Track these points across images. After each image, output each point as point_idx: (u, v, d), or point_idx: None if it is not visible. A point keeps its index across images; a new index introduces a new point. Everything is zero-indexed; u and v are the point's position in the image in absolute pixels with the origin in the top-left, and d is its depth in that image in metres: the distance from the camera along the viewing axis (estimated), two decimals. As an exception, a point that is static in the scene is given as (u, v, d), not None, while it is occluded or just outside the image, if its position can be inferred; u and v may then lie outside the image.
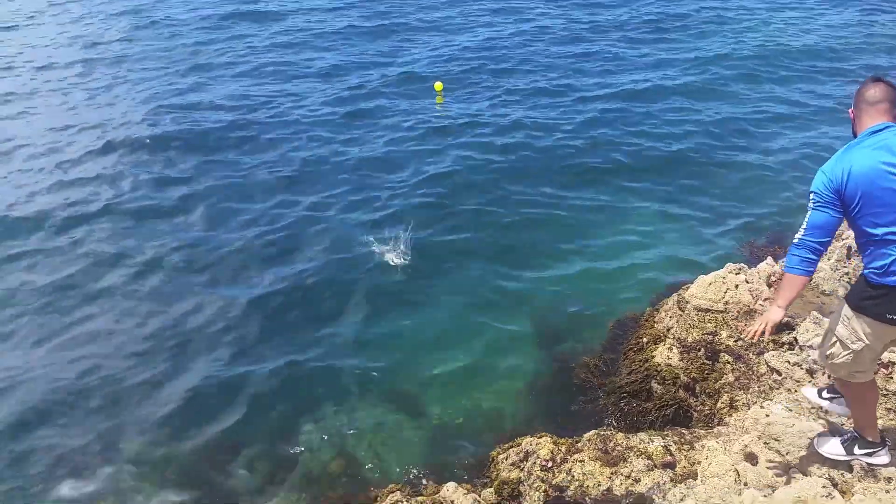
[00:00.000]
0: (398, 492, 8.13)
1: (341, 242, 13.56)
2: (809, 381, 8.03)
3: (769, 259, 10.28)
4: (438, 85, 19.34)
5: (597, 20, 27.67)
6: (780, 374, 8.36)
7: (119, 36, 27.58)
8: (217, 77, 22.33)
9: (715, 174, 15.87)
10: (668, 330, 10.05)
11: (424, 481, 8.66)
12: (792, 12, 28.11)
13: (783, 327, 9.18)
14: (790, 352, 8.61)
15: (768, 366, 8.55)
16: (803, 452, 6.82)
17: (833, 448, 6.45)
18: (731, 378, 8.89)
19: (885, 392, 7.40)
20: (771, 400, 7.92)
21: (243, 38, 26.55)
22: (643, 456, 7.49)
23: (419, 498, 7.89)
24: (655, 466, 7.38)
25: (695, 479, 7.05)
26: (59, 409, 9.88)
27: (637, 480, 7.19)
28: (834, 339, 5.72)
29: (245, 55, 24.49)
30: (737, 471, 6.77)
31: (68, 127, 18.87)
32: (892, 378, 7.67)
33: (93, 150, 17.50)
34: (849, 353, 5.59)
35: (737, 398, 8.63)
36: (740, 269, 10.09)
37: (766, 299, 9.49)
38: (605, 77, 21.78)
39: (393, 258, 12.82)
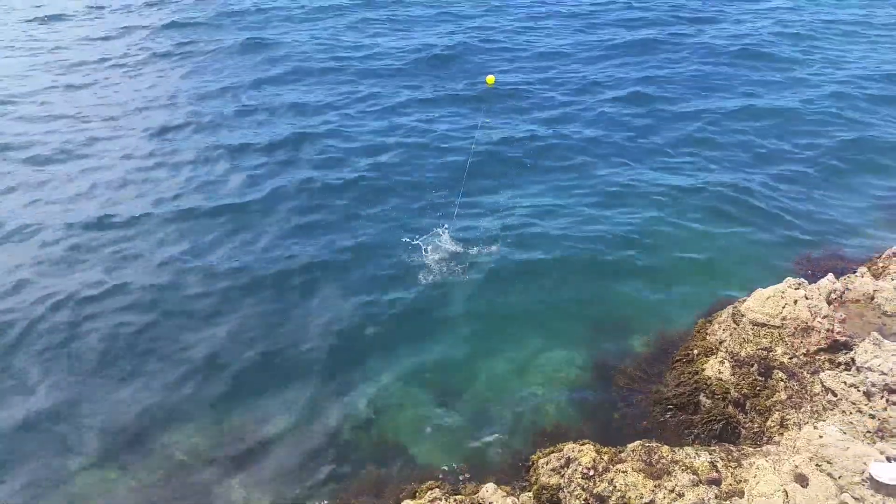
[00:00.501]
0: (437, 489, 8.17)
1: (402, 248, 13.62)
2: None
3: (830, 276, 9.92)
4: (490, 79, 19.71)
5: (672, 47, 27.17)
6: (835, 395, 8.08)
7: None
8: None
9: (773, 186, 15.39)
10: (721, 343, 9.82)
11: (463, 479, 8.68)
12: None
13: (840, 347, 8.89)
14: (846, 372, 8.31)
15: (823, 385, 8.27)
16: (857, 478, 6.58)
17: (893, 474, 6.22)
18: (783, 396, 8.64)
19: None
20: (824, 421, 7.66)
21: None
22: (688, 470, 7.34)
23: (458, 497, 7.91)
24: (700, 482, 7.23)
25: (741, 498, 6.89)
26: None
27: (681, 495, 7.05)
28: None
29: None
30: (786, 492, 6.58)
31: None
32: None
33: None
34: None
35: (788, 417, 8.38)
36: (800, 284, 9.77)
37: (825, 317, 9.19)
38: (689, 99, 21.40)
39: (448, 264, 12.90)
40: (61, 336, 11.39)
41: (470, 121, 18.67)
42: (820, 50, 24.20)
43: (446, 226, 13.55)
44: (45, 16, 30.65)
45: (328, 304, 12.09)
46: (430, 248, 13.22)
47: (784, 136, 17.80)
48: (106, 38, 27.50)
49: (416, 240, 13.35)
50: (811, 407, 8.35)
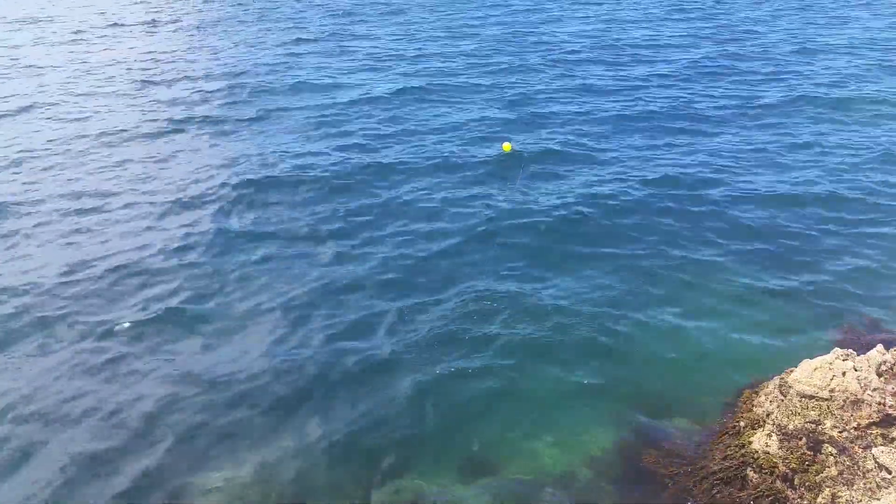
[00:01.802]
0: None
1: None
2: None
3: (880, 346, 9.66)
4: (506, 146, 20.29)
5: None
6: (889, 472, 7.80)
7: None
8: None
9: (823, 251, 15.19)
10: (768, 415, 9.60)
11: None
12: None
13: (893, 421, 8.61)
14: (901, 448, 8.03)
15: (876, 462, 8.00)
16: (913, 561, 6.31)
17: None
18: (833, 472, 8.36)
19: None
20: (878, 500, 7.40)
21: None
22: (734, 548, 7.14)
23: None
24: (747, 560, 7.01)
25: (789, 579, 6.64)
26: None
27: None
28: None
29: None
30: (836, 574, 6.33)
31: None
32: None
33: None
34: None
35: (839, 494, 8.09)
36: (848, 355, 9.54)
37: (875, 389, 8.94)
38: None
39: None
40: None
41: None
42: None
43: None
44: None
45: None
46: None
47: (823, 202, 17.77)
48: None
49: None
50: (864, 484, 8.06)
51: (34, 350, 12.66)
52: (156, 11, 50.69)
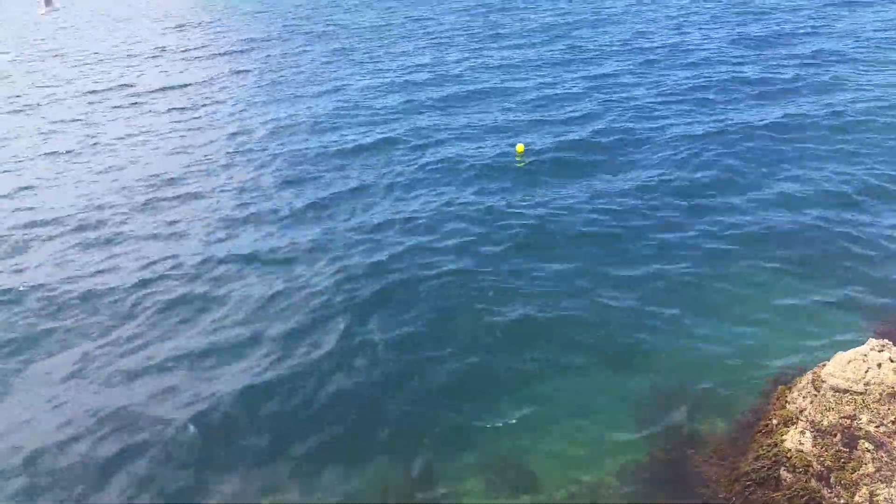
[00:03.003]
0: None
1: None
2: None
3: (918, 336, 9.23)
4: (520, 147, 20.19)
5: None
6: (927, 468, 7.40)
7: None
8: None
9: (854, 242, 14.59)
10: (801, 411, 9.22)
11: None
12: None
13: (935, 413, 8.18)
14: (941, 442, 7.61)
15: (914, 457, 7.60)
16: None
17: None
18: (870, 468, 7.98)
19: None
20: (918, 497, 7.02)
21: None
22: (761, 552, 6.85)
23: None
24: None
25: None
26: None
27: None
28: None
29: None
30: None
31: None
32: None
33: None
34: None
35: (878, 492, 7.72)
36: (884, 345, 9.11)
37: (914, 380, 8.51)
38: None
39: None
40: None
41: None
42: None
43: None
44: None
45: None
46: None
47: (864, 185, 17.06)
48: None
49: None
50: (903, 481, 7.67)
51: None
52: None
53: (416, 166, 21.23)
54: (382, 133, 24.74)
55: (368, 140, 24.03)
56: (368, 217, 18.14)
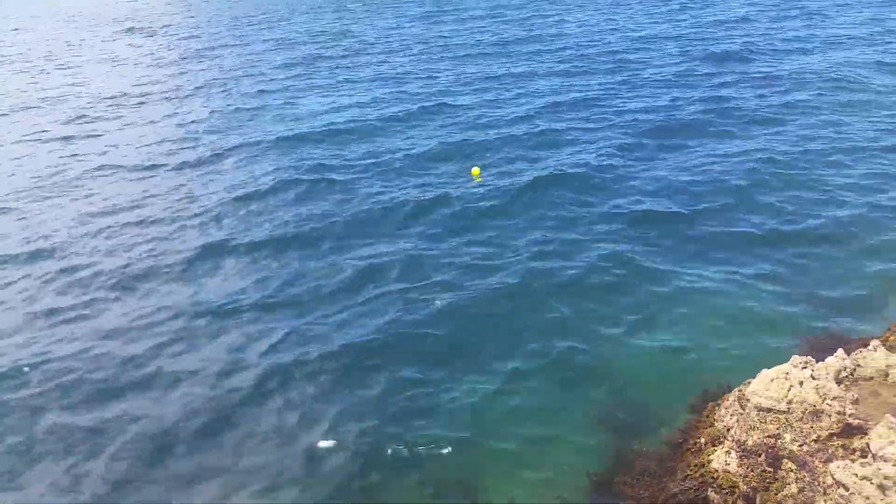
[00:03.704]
0: None
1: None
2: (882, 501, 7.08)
3: (839, 351, 9.30)
4: (475, 170, 20.09)
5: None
6: (846, 490, 7.42)
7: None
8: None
9: (787, 258, 14.83)
10: (728, 430, 9.24)
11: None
12: None
13: (854, 431, 8.25)
14: (860, 462, 7.65)
15: (834, 478, 7.63)
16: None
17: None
18: (794, 489, 8.00)
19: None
20: (837, 518, 7.03)
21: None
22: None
23: None
24: None
25: None
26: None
27: None
28: None
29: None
30: None
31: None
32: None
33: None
34: None
35: (800, 514, 7.72)
36: (806, 363, 9.18)
37: (834, 398, 8.57)
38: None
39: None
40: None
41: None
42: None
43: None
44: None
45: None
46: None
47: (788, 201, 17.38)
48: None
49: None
50: (824, 501, 7.69)
51: None
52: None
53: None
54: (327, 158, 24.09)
55: (302, 176, 22.67)
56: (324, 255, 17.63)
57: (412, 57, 38.16)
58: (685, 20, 42.22)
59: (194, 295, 15.24)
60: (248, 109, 30.09)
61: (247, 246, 17.29)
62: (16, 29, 65.20)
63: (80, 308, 15.11)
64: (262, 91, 33.22)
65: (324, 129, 26.32)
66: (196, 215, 19.31)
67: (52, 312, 14.96)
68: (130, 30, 58.04)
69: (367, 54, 39.96)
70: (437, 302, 14.10)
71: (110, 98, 34.29)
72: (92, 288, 15.87)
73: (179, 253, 17.12)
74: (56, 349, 13.65)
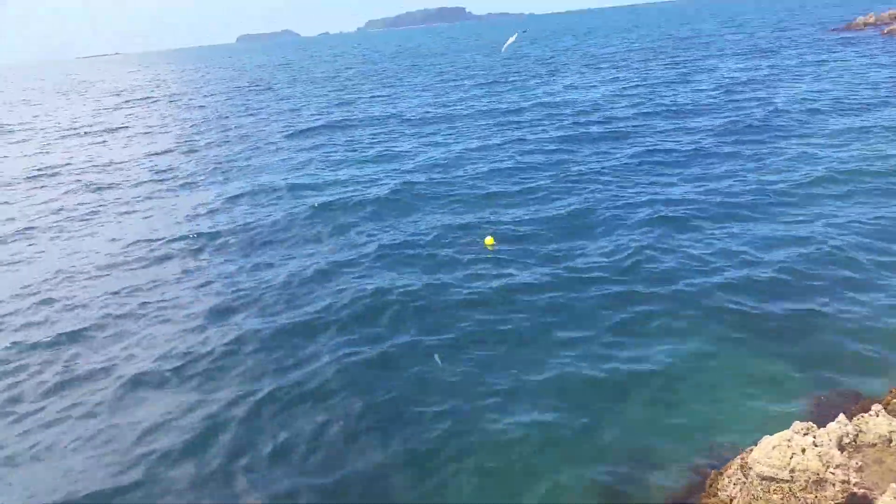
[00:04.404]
0: None
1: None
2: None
3: (841, 417, 9.17)
4: (489, 240, 19.92)
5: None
6: (852, 566, 7.21)
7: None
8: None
9: (787, 318, 14.71)
10: (732, 500, 9.02)
11: None
12: None
13: (859, 501, 8.06)
14: (866, 535, 7.46)
15: (839, 554, 7.42)
16: None
17: None
18: (800, 565, 7.77)
19: None
20: None
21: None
22: None
23: None
24: None
25: None
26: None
27: None
28: None
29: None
30: None
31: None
32: None
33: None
34: None
35: (807, 591, 7.48)
36: (808, 429, 9.04)
37: (838, 466, 8.40)
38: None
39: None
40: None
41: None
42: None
43: None
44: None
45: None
46: None
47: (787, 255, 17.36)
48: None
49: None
50: (831, 576, 7.46)
51: None
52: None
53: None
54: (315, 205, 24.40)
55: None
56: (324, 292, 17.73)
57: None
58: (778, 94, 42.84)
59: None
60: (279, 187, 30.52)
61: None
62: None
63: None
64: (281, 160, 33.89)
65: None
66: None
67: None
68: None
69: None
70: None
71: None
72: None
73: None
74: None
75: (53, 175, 36.41)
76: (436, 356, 13.93)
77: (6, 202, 30.89)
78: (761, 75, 49.69)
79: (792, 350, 13.34)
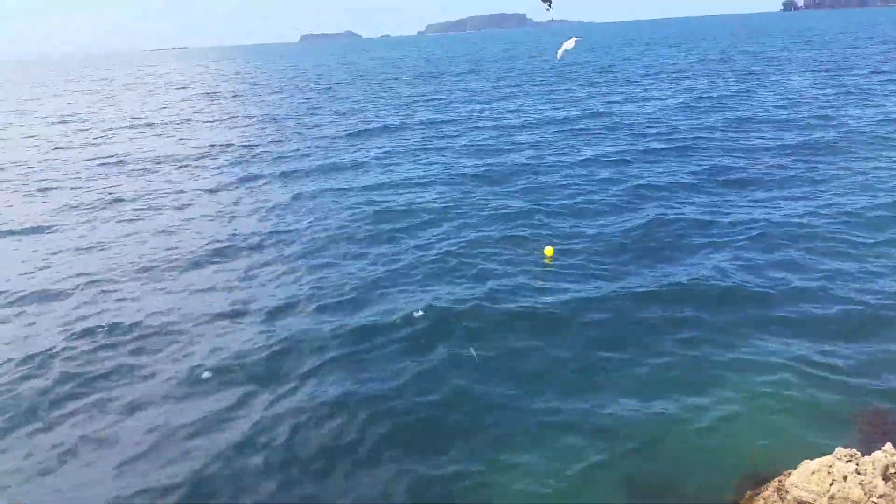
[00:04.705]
0: None
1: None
2: None
3: (888, 446, 8.90)
4: (549, 250, 19.65)
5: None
6: None
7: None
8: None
9: (844, 335, 14.32)
10: (767, 523, 8.90)
11: None
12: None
13: (901, 534, 7.85)
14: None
15: (876, 585, 7.25)
16: None
17: None
18: None
19: None
20: None
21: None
22: None
23: None
24: None
25: None
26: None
27: None
28: None
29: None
30: None
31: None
32: None
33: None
34: None
35: None
36: (852, 456, 8.82)
37: (881, 496, 8.20)
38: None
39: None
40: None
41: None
42: None
43: None
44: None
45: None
46: None
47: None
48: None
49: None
50: None
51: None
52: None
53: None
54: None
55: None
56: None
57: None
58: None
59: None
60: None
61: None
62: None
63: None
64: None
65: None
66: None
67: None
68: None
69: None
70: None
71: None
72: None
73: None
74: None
75: (118, 163, 37.66)
76: (472, 349, 13.90)
77: (71, 188, 32.19)
78: (830, 93, 48.31)
79: (845, 380, 12.97)
